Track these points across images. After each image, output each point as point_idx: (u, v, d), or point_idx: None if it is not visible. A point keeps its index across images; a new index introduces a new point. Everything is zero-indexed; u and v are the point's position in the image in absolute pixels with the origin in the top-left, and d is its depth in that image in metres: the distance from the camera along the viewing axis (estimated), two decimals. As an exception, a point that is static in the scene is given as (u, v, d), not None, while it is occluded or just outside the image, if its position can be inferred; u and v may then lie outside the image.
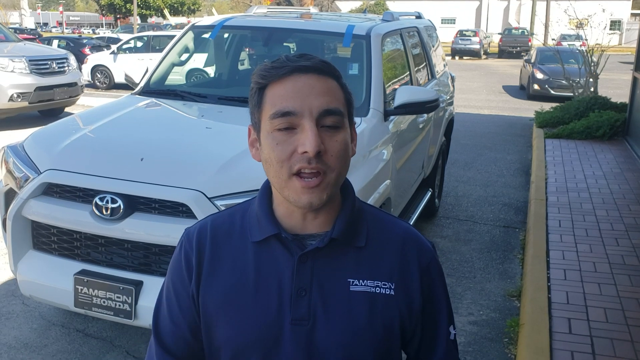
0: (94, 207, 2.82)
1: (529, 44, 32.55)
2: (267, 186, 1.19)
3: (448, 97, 5.96)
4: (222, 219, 1.23)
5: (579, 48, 12.03)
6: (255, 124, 1.13)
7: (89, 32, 53.78)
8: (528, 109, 13.01)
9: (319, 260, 1.14)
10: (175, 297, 1.21)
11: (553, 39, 21.47)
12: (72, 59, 10.72)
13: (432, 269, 1.21)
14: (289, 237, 1.13)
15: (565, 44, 21.75)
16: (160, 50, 14.48)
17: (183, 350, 1.22)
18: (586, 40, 12.03)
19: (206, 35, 4.59)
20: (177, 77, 4.72)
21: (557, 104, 10.59)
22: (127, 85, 4.61)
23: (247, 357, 1.14)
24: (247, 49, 4.91)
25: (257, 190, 1.21)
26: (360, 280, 1.14)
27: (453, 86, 6.55)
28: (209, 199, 2.69)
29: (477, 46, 32.16)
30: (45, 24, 75.10)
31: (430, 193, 5.24)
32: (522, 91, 16.84)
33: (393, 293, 1.15)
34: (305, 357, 1.13)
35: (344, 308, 1.13)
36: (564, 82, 12.89)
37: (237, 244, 1.18)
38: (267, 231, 1.14)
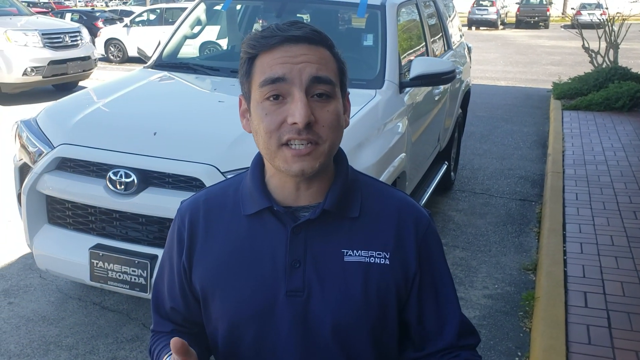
0: (107, 182, 2.82)
1: (547, 13, 31.87)
2: (259, 159, 1.19)
3: (464, 68, 5.86)
4: (215, 192, 1.23)
5: (599, 17, 11.76)
6: (245, 94, 1.12)
7: (101, 5, 53.50)
8: (546, 80, 12.80)
9: (312, 232, 1.13)
10: (169, 270, 1.26)
11: (572, 8, 21.02)
12: (85, 32, 10.66)
13: (429, 238, 1.20)
14: (281, 209, 1.13)
15: (584, 13, 21.24)
16: (174, 23, 14.37)
17: (179, 318, 1.27)
18: (606, 9, 11.75)
19: (218, 7, 4.53)
20: (189, 50, 4.67)
21: (576, 75, 10.40)
22: (142, 59, 4.58)
23: (244, 329, 1.16)
24: (260, 21, 4.84)
25: None
26: (355, 251, 1.14)
27: (470, 57, 6.43)
28: (222, 173, 2.67)
29: (494, 16, 31.51)
30: (59, -3, 74.88)
31: (446, 166, 5.19)
32: (539, 62, 16.55)
33: (388, 262, 1.15)
34: (301, 328, 1.14)
35: (339, 279, 1.13)
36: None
37: (230, 218, 1.18)
38: (259, 204, 1.14)
